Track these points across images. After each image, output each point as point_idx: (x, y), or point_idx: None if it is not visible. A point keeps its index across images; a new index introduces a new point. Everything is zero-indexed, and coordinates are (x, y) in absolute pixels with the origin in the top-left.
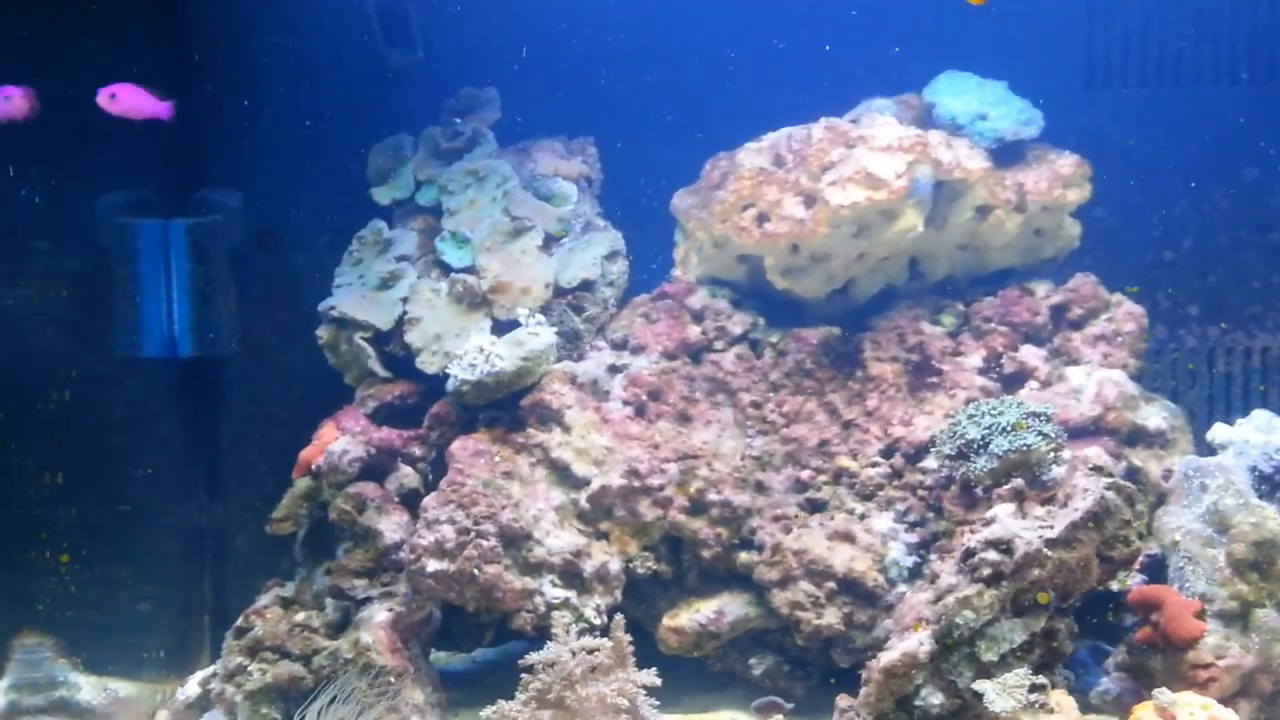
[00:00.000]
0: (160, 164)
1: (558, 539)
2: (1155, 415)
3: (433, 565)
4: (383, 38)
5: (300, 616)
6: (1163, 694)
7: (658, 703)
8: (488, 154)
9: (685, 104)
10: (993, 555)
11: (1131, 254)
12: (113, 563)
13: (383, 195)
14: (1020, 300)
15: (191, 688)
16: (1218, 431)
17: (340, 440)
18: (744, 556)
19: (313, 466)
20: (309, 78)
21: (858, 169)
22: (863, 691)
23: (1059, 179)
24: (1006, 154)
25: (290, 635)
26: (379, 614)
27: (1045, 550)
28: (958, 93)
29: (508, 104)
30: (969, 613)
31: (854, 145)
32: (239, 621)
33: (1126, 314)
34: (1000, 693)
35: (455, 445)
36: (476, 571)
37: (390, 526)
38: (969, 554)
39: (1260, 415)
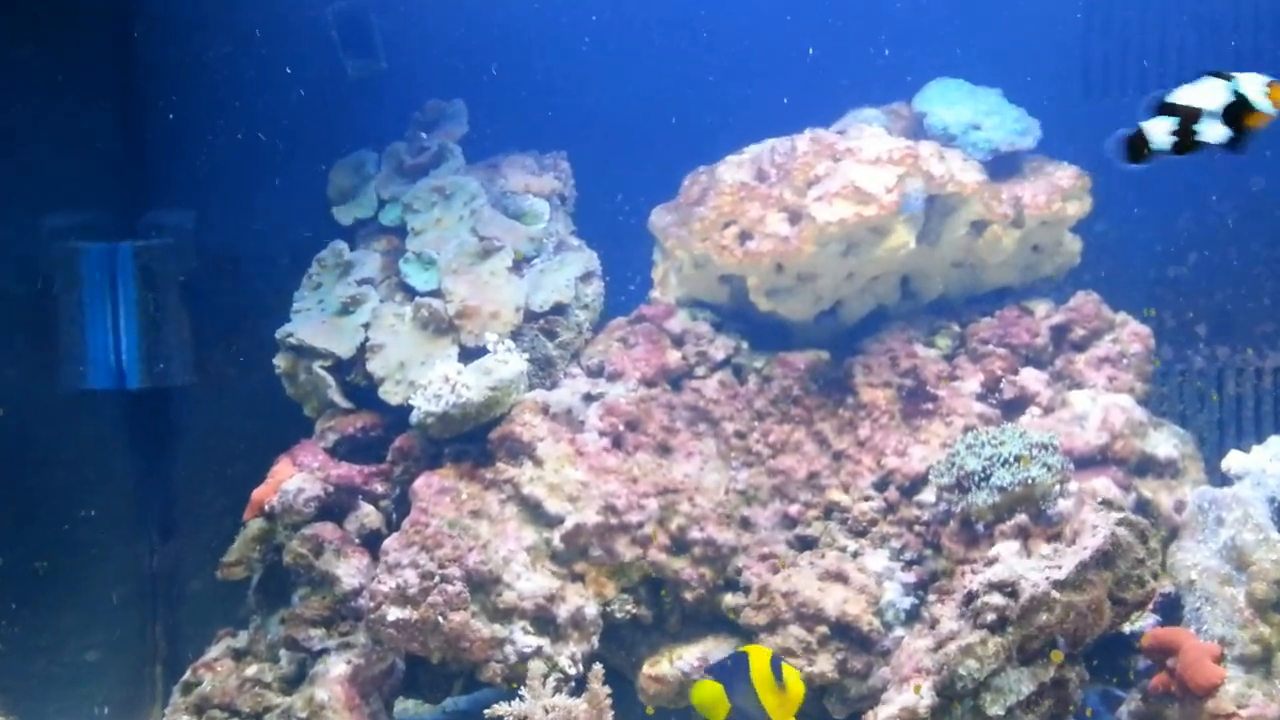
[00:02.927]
0: (107, 184)
1: (529, 582)
2: (1165, 443)
3: (394, 613)
4: (343, 48)
5: (252, 670)
6: None
7: None
8: (454, 170)
9: (663, 116)
10: (997, 599)
11: (1135, 270)
12: (58, 609)
13: (345, 215)
14: (1019, 320)
15: None
16: (1233, 460)
17: (295, 478)
18: (730, 599)
19: (266, 507)
20: (266, 91)
21: (845, 183)
22: None
23: (1058, 192)
24: (1002, 166)
25: (241, 691)
26: (336, 667)
27: (1053, 593)
28: (950, 101)
29: (476, 117)
30: (972, 662)
31: (841, 158)
32: (186, 675)
33: (1132, 334)
34: None
35: (419, 482)
36: (441, 619)
37: (349, 571)
38: (971, 597)
39: (1278, 442)
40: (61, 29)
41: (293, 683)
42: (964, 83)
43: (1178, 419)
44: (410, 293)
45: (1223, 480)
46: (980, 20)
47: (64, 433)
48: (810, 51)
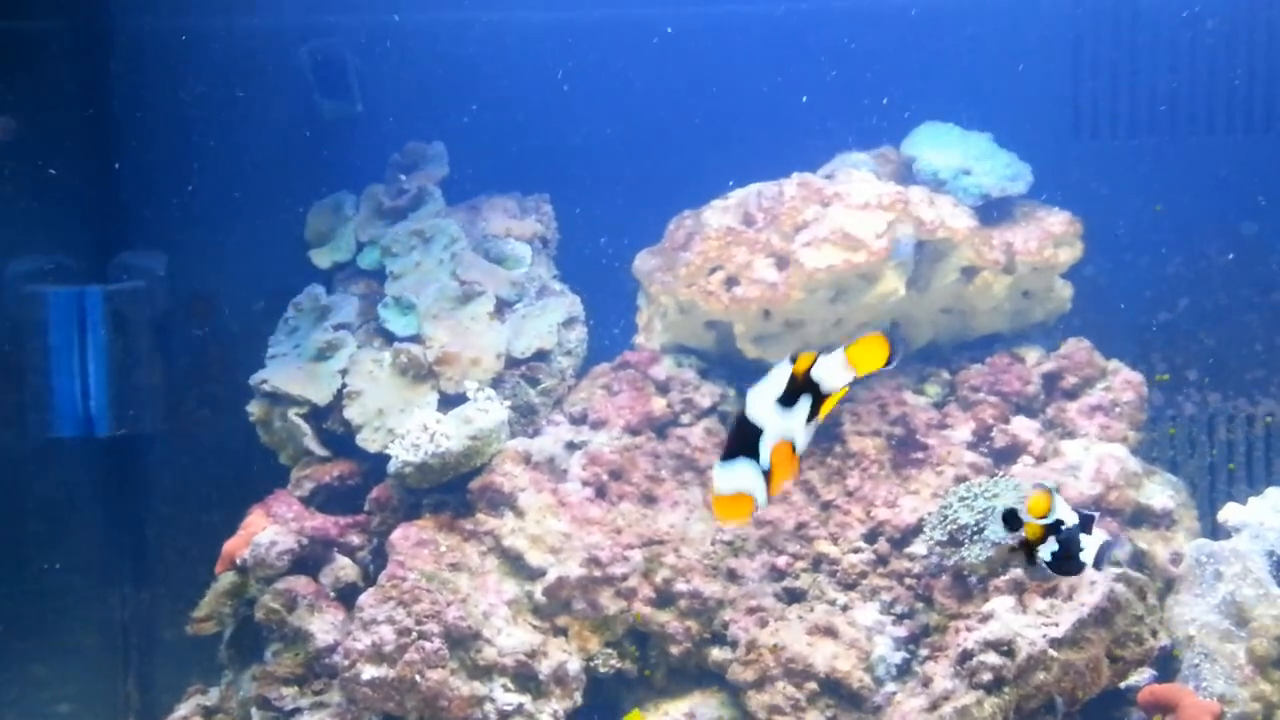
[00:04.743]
0: (76, 225)
1: (510, 637)
2: (1160, 493)
3: (369, 672)
4: (319, 89)
5: None
6: None
7: None
8: (434, 213)
9: (647, 158)
10: (993, 658)
11: (1124, 315)
12: (27, 661)
13: (322, 258)
14: (1010, 368)
15: None
16: (1230, 513)
17: (268, 530)
18: (716, 653)
19: (238, 560)
20: (241, 132)
21: (834, 229)
22: None
23: (1049, 238)
24: (993, 211)
25: None
26: None
27: (1050, 651)
28: (939, 145)
29: (456, 159)
30: None
31: (829, 203)
32: None
33: (1124, 382)
34: None
35: (396, 534)
36: (419, 678)
37: (323, 627)
38: (966, 656)
39: (1276, 494)
40: (30, 69)
41: None
42: (954, 126)
43: (1168, 465)
44: (389, 338)
45: (1215, 528)
46: (969, 64)
47: (31, 481)
48: (804, 99)
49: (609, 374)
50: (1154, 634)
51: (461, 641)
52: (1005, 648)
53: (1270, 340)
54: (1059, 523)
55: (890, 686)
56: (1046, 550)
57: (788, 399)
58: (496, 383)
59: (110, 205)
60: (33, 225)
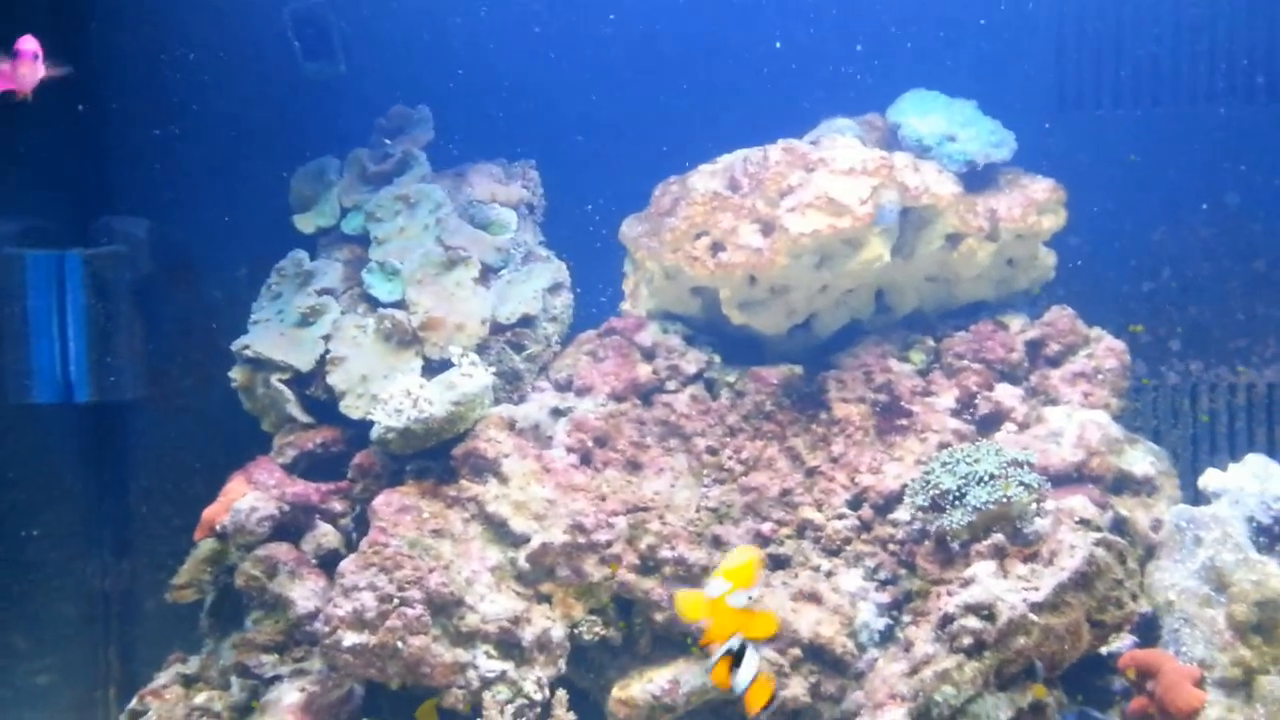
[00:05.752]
0: (56, 188)
1: (493, 604)
2: (1141, 460)
3: (350, 638)
4: (301, 50)
5: (202, 698)
6: None
7: None
8: (419, 178)
9: (634, 124)
10: (973, 622)
11: (1108, 285)
12: (6, 630)
13: (306, 223)
14: (994, 335)
15: None
16: (1210, 479)
17: (248, 497)
18: None
19: (217, 526)
20: (224, 96)
21: (819, 194)
22: None
23: (1033, 205)
24: (977, 178)
25: None
26: (289, 695)
27: (1031, 616)
28: (924, 112)
29: (442, 124)
30: (949, 688)
31: (814, 168)
32: (133, 703)
33: (1107, 349)
34: None
35: (378, 500)
36: (400, 644)
37: (304, 594)
38: (947, 620)
39: (1255, 461)
40: (8, 30)
41: (244, 711)
42: (939, 94)
43: (1150, 434)
44: (373, 304)
45: (1197, 497)
46: (955, 32)
47: (9, 448)
48: (778, 45)
49: (595, 340)
50: (1134, 598)
51: (444, 608)
52: (986, 612)
53: (1251, 309)
54: None
55: (873, 652)
56: None
57: None
58: (481, 349)
59: (91, 168)
60: (12, 188)
